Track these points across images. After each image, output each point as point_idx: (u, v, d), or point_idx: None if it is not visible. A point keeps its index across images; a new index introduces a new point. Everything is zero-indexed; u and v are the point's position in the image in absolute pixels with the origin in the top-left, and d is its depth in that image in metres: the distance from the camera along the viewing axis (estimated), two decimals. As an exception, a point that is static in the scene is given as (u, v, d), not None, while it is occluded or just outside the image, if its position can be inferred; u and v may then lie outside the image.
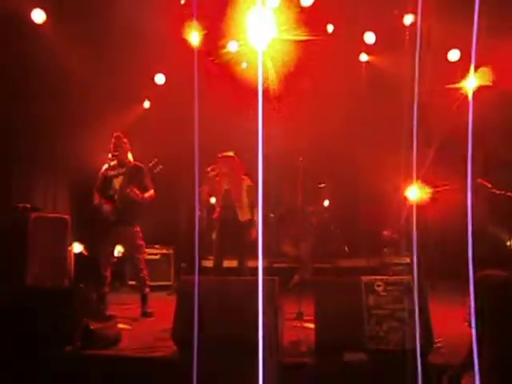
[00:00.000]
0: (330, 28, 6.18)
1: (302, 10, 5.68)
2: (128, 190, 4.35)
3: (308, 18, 5.82)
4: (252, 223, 4.58)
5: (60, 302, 3.17)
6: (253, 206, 4.62)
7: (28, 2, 5.59)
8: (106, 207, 4.45)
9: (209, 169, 4.61)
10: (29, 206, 4.66)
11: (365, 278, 3.05)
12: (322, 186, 6.78)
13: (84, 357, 3.09)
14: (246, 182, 4.66)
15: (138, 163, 4.62)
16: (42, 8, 5.65)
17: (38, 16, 5.69)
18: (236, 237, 4.55)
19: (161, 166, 4.41)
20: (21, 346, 3.05)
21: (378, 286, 2.99)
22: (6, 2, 5.12)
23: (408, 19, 5.98)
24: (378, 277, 3.07)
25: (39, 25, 5.68)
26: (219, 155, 4.70)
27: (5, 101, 5.56)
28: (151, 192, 4.53)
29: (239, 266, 4.60)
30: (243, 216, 4.56)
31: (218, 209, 4.61)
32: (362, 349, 2.90)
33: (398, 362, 2.74)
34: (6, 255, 4.20)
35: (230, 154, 4.72)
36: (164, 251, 6.46)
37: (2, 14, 5.03)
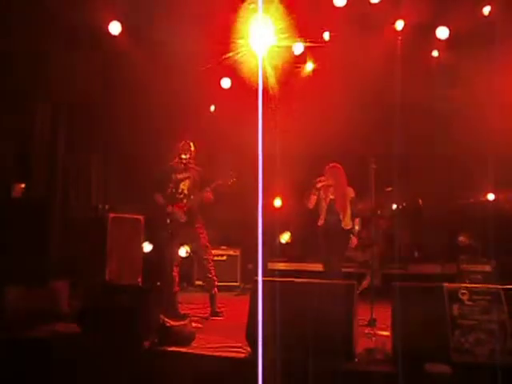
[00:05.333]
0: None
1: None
2: (203, 195, 4.50)
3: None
4: (353, 232, 4.86)
5: (139, 299, 3.30)
6: (355, 216, 4.90)
7: (108, 14, 5.90)
8: (176, 209, 4.54)
9: (318, 179, 4.79)
10: (107, 206, 4.90)
11: (447, 285, 2.88)
12: (389, 189, 6.55)
13: (160, 353, 3.19)
14: (350, 193, 4.85)
15: (200, 168, 4.73)
16: (118, 20, 5.95)
17: (115, 28, 6.00)
18: (337, 244, 4.74)
19: (234, 179, 4.50)
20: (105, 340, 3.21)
21: (463, 294, 2.81)
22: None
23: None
24: (462, 284, 2.89)
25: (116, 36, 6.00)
26: (327, 166, 4.88)
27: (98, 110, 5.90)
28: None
29: (326, 270, 4.75)
30: (346, 225, 4.76)
31: (322, 216, 4.83)
32: (445, 361, 2.74)
33: (486, 377, 2.56)
34: (87, 253, 4.45)
35: (337, 164, 4.91)
36: (230, 252, 6.53)
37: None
